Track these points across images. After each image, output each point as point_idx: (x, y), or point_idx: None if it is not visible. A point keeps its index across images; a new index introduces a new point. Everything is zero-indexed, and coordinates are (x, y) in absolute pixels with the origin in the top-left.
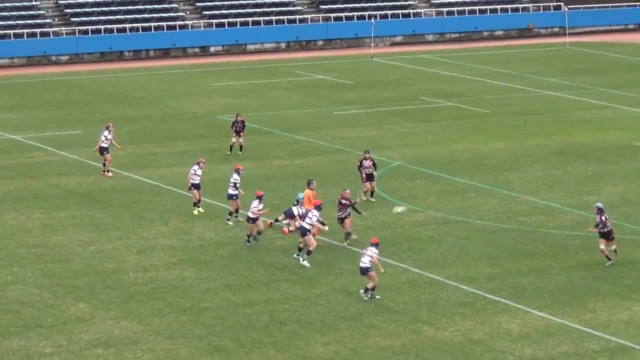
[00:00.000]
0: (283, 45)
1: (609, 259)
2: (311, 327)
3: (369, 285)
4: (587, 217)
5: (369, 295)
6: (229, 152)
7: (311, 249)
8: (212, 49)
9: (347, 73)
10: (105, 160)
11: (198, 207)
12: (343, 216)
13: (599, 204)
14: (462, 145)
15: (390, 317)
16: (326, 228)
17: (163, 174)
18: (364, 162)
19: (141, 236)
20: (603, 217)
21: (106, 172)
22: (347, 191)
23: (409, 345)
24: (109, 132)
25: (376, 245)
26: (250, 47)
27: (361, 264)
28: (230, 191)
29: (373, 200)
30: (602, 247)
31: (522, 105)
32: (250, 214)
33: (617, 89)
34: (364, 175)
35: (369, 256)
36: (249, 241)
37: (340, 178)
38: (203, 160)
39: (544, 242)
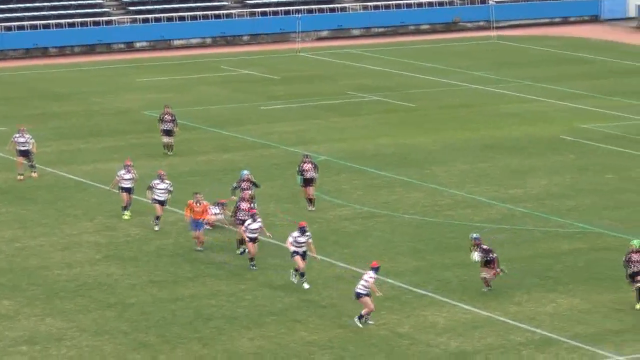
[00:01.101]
0: (209, 40)
1: (489, 286)
2: (237, 322)
3: (363, 312)
4: (512, 210)
5: (363, 321)
6: (167, 152)
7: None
8: (137, 45)
9: (273, 68)
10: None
11: (127, 210)
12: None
13: (474, 234)
14: (388, 139)
15: (316, 312)
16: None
17: (88, 170)
18: (303, 165)
19: (66, 232)
20: (483, 247)
21: (32, 173)
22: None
23: (335, 339)
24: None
25: (376, 269)
26: (176, 42)
27: (356, 289)
28: (157, 197)
29: (313, 209)
30: (483, 274)
31: (448, 99)
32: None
33: (544, 83)
34: (301, 180)
35: (365, 280)
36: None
37: (267, 173)
38: (130, 164)
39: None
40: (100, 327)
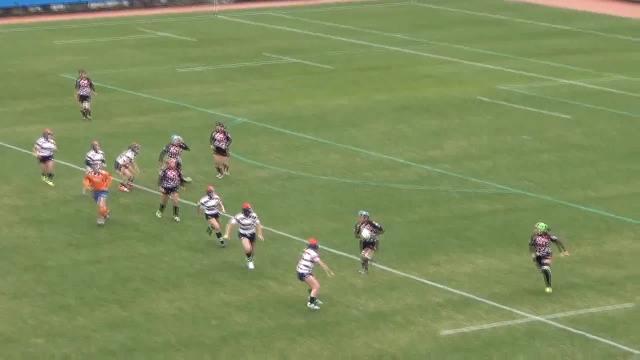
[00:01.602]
0: (126, 3)
1: (366, 268)
2: (155, 284)
3: (312, 293)
4: (430, 172)
5: (315, 304)
6: (84, 118)
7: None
8: (54, 8)
9: (190, 30)
10: None
11: (48, 178)
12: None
13: (364, 212)
14: (306, 101)
15: (234, 274)
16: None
17: (5, 133)
18: (215, 135)
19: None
20: (375, 224)
21: None
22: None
23: (253, 300)
24: None
25: (314, 247)
26: (93, 5)
27: (298, 269)
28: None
29: (227, 173)
30: (363, 254)
31: (366, 61)
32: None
33: (460, 44)
34: (213, 148)
35: (306, 260)
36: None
37: (185, 135)
38: (49, 132)
39: (388, 196)
40: (18, 290)
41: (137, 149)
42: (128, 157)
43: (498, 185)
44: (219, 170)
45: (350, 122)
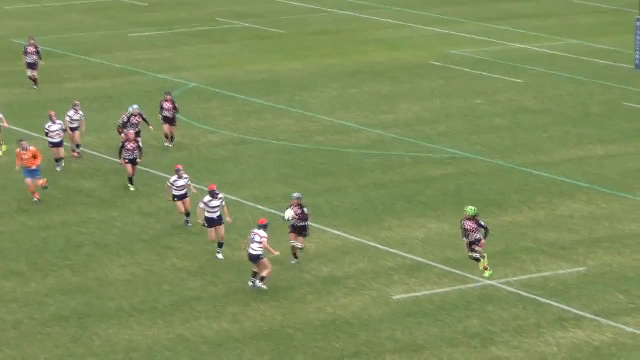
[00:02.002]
0: None
1: (296, 257)
2: (107, 249)
3: (264, 273)
4: (382, 136)
5: (259, 284)
6: (33, 86)
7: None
8: None
9: None
10: None
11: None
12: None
13: (296, 194)
14: (258, 65)
15: (186, 239)
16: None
17: None
18: (163, 104)
19: None
20: (305, 210)
21: None
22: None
23: (205, 266)
24: None
25: (264, 227)
26: None
27: (250, 250)
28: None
29: (170, 145)
30: (292, 242)
31: (317, 25)
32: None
33: (412, 8)
34: (161, 117)
35: (257, 242)
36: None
37: (136, 100)
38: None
39: (340, 161)
40: None
41: (77, 106)
42: (68, 115)
43: (450, 150)
44: (167, 137)
45: (302, 86)
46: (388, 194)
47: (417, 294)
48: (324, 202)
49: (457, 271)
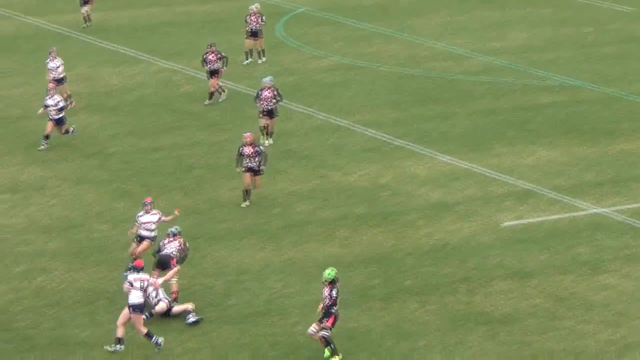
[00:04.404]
0: None
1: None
2: (218, 172)
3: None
4: (492, 63)
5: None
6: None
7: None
8: None
9: None
10: None
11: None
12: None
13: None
14: None
15: (297, 162)
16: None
17: (68, 20)
18: (207, 56)
19: (47, 82)
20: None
21: None
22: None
23: (316, 189)
24: None
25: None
26: None
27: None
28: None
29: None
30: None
31: None
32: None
33: None
34: (207, 69)
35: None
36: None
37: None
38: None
39: (450, 87)
40: (82, 176)
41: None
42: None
43: (560, 77)
44: (211, 95)
45: (411, 12)
46: (498, 120)
47: (526, 221)
48: (433, 127)
49: (567, 199)
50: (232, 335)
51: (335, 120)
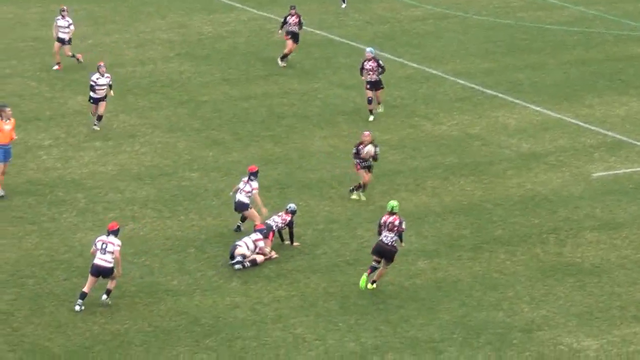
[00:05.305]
0: None
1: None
2: (309, 121)
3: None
4: (585, 13)
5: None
6: None
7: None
8: None
9: None
10: None
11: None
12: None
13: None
14: None
15: (388, 112)
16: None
17: None
18: (288, 18)
19: (139, 30)
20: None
21: None
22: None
23: (406, 139)
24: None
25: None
26: None
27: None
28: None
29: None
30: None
31: None
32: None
33: None
34: (284, 32)
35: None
36: None
37: None
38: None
39: (542, 37)
40: (173, 124)
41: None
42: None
43: None
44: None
45: None
46: (589, 71)
47: (617, 172)
48: (525, 78)
49: None
50: (321, 284)
51: (426, 69)
